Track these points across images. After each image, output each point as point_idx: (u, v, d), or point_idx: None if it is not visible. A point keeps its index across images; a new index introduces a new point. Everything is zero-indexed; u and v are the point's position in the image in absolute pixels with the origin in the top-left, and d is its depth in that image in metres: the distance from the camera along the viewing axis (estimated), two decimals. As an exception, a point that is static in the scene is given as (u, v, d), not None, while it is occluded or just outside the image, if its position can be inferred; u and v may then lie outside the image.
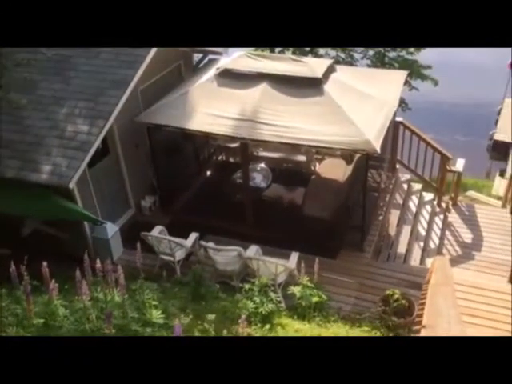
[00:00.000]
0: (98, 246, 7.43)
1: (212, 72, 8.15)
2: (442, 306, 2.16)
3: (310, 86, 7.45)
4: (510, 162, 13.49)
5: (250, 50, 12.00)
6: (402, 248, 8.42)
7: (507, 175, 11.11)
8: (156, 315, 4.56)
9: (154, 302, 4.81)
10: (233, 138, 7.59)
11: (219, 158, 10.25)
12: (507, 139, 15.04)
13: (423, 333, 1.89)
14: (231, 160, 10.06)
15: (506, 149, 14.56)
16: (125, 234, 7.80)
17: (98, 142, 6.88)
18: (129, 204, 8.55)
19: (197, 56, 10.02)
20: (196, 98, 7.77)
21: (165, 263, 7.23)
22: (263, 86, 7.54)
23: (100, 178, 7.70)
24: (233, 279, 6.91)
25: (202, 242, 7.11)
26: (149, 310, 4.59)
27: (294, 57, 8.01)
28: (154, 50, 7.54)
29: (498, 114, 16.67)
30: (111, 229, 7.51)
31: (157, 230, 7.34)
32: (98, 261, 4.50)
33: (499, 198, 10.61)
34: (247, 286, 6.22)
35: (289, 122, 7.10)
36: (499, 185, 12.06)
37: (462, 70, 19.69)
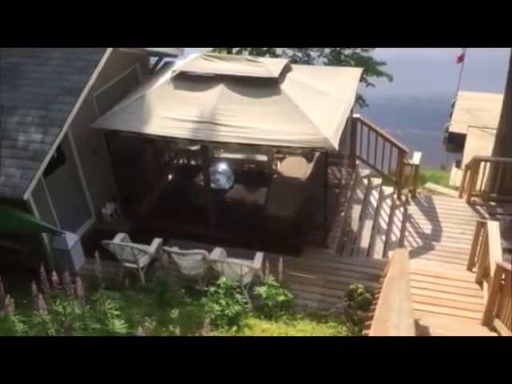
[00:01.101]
0: (58, 257, 7.24)
1: (168, 75, 8.06)
2: (395, 298, 2.19)
3: (266, 86, 7.47)
4: (464, 153, 13.93)
5: (207, 51, 11.99)
6: (364, 242, 8.56)
7: (463, 166, 11.44)
8: (118, 325, 4.48)
9: (117, 312, 4.72)
10: (192, 141, 7.54)
11: (180, 161, 10.17)
12: (461, 131, 15.56)
13: (373, 327, 1.91)
14: (193, 163, 9.99)
15: (461, 140, 15.04)
16: (86, 243, 7.63)
17: (52, 151, 6.69)
18: (89, 212, 8.36)
19: (153, 59, 9.90)
20: (153, 102, 7.68)
21: (129, 271, 7.11)
22: (220, 88, 7.52)
23: (57, 188, 7.49)
24: (198, 283, 6.85)
25: (166, 247, 7.03)
26: (111, 321, 4.50)
27: (249, 57, 8.03)
28: (107, 55, 7.40)
29: (452, 106, 17.19)
30: (71, 239, 7.34)
31: (119, 238, 7.21)
32: (54, 273, 4.38)
33: (456, 189, 10.92)
34: (212, 289, 6.20)
35: (247, 122, 7.10)
36: (456, 175, 12.42)
37: (417, 66, 20.12)
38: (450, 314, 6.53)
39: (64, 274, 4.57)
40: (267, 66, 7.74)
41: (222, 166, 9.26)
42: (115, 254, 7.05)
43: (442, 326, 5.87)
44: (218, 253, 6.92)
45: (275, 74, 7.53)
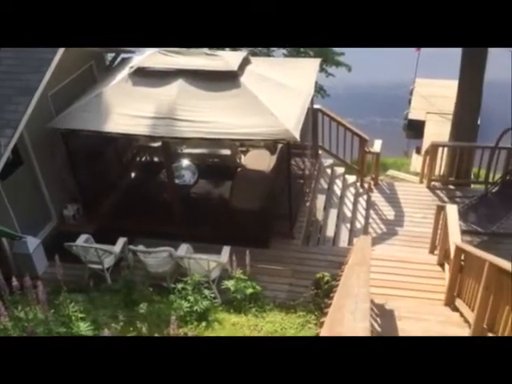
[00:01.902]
0: (20, 261, 7.05)
1: (126, 71, 7.92)
2: (354, 285, 2.23)
3: (226, 79, 7.44)
4: (424, 139, 14.28)
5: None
6: (330, 231, 8.69)
7: (422, 152, 11.71)
8: (84, 328, 4.40)
9: (81, 315, 4.64)
10: (152, 138, 7.46)
11: (143, 158, 10.03)
12: (420, 117, 15.93)
13: (330, 314, 1.94)
14: (156, 160, 9.87)
15: (420, 126, 15.40)
16: (49, 246, 7.43)
17: (7, 153, 6.47)
18: (50, 215, 8.16)
19: (110, 55, 9.71)
20: (111, 99, 7.54)
21: (94, 272, 6.99)
22: (179, 83, 7.44)
23: (15, 191, 7.28)
24: (166, 280, 6.81)
25: (131, 246, 6.94)
26: (76, 324, 4.42)
27: (208, 51, 7.94)
28: (60, 53, 7.20)
29: (411, 93, 17.57)
30: (32, 243, 7.15)
31: (82, 239, 7.07)
32: (14, 278, 4.26)
33: (417, 174, 11.18)
34: (180, 286, 6.17)
35: (208, 116, 7.06)
36: (416, 161, 12.74)
37: (375, 54, 20.44)
38: (414, 297, 6.71)
39: (25, 278, 4.45)
40: (226, 59, 7.70)
41: (186, 162, 9.20)
42: (79, 256, 6.92)
43: (407, 309, 6.02)
44: (184, 249, 6.88)
45: (234, 67, 7.51)
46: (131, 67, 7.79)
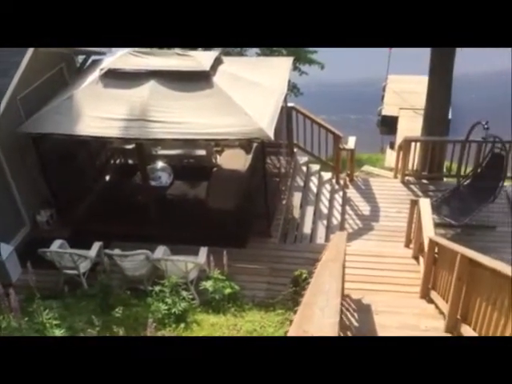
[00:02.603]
0: (-8, 269, 6.91)
1: (96, 73, 7.83)
2: (326, 281, 2.25)
3: (198, 79, 7.42)
4: (397, 135, 14.49)
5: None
6: (307, 228, 8.73)
7: (396, 147, 11.86)
8: (59, 334, 4.34)
9: (56, 321, 4.57)
10: (126, 140, 7.39)
11: (117, 160, 9.93)
12: (393, 113, 16.15)
13: (299, 311, 1.96)
14: (130, 162, 9.77)
15: (394, 122, 15.62)
16: (22, 253, 7.30)
17: (-24, 159, 6.35)
18: (23, 220, 8.01)
19: (80, 57, 9.57)
20: (82, 102, 7.43)
21: (70, 278, 6.89)
22: (151, 84, 7.39)
23: (-15, 197, 7.14)
24: (143, 283, 6.75)
25: (107, 250, 6.87)
26: (50, 331, 4.35)
27: (179, 51, 7.90)
28: (28, 55, 7.08)
29: (383, 90, 17.80)
30: (5, 249, 7.02)
31: (56, 245, 6.96)
32: (-16, 287, 4.17)
33: (391, 169, 11.32)
34: (158, 289, 6.13)
35: (181, 117, 7.03)
36: (390, 157, 12.90)
37: (347, 51, 20.68)
38: (390, 291, 6.81)
39: (-4, 287, 4.37)
40: (198, 59, 7.68)
41: (161, 163, 9.14)
42: (54, 262, 6.81)
43: (384, 303, 6.10)
44: (161, 251, 6.84)
45: (206, 67, 7.49)
46: (102, 69, 7.70)
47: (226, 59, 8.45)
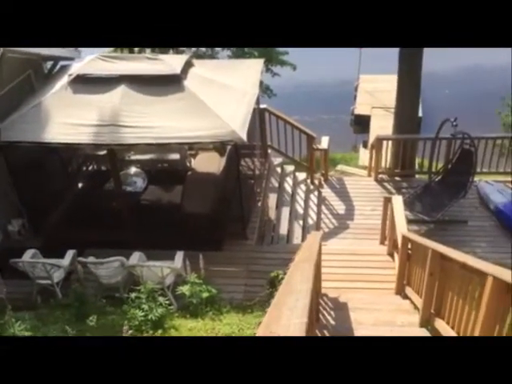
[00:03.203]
0: (-38, 282, 6.72)
1: (65, 79, 7.71)
2: (297, 282, 2.26)
3: (169, 83, 7.37)
4: (370, 133, 14.66)
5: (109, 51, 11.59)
6: (283, 229, 8.76)
7: (369, 146, 12.01)
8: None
9: (28, 333, 4.48)
10: (97, 146, 7.29)
11: (90, 167, 9.79)
12: (366, 112, 16.35)
13: (269, 312, 1.96)
14: (103, 168, 9.65)
15: (366, 121, 15.80)
16: (-7, 264, 7.13)
17: None
18: (-7, 231, 7.84)
19: (49, 63, 9.40)
20: (51, 109, 7.30)
21: (43, 288, 6.77)
22: (122, 89, 7.31)
23: (-47, 209, 6.95)
24: (119, 291, 6.68)
25: (81, 258, 6.77)
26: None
27: (149, 55, 7.85)
28: (-6, 62, 6.93)
29: (356, 89, 18.00)
30: (-24, 262, 6.84)
31: (28, 254, 6.82)
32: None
33: (365, 168, 11.45)
34: (134, 295, 6.06)
35: (153, 122, 6.98)
36: (364, 155, 13.04)
37: (319, 51, 20.87)
38: (366, 288, 6.88)
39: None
40: (168, 62, 7.63)
41: (134, 169, 9.05)
42: (26, 272, 6.68)
43: (360, 300, 6.17)
44: (136, 257, 6.77)
45: (177, 70, 7.45)
46: (70, 75, 7.59)
47: (196, 62, 8.44)
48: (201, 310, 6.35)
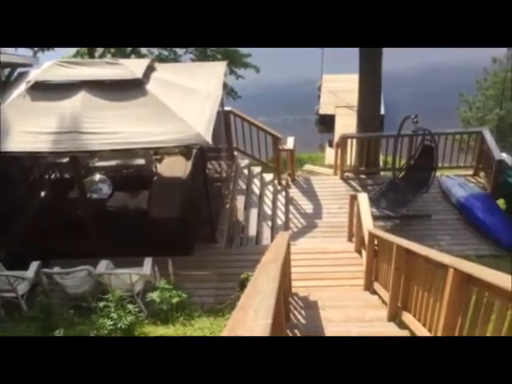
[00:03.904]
0: None
1: (23, 86, 7.51)
2: (263, 283, 2.27)
3: (131, 88, 7.28)
4: (335, 132, 14.85)
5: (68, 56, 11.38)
6: (252, 230, 8.77)
7: (334, 145, 12.15)
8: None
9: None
10: (59, 154, 7.13)
11: (53, 175, 9.57)
12: (330, 112, 16.55)
13: (233, 315, 1.96)
14: (66, 176, 9.45)
15: (331, 121, 16.00)
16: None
17: None
18: (-48, 246, 7.55)
19: (7, 71, 9.15)
20: (9, 117, 7.09)
21: (8, 301, 6.57)
22: (82, 94, 7.18)
23: None
24: (87, 300, 6.54)
25: (46, 270, 6.61)
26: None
27: (109, 60, 7.75)
28: None
29: (319, 89, 18.21)
30: None
31: (-10, 268, 6.63)
32: None
33: (331, 167, 11.59)
34: (102, 304, 5.96)
35: (116, 127, 6.88)
36: (329, 154, 13.19)
37: (283, 52, 21.01)
38: (336, 285, 6.97)
39: None
40: (129, 67, 7.55)
41: (99, 175, 8.89)
42: (-11, 286, 6.48)
43: (330, 298, 6.24)
44: (104, 265, 6.66)
45: (139, 74, 7.37)
46: (28, 82, 7.40)
47: (159, 66, 8.37)
48: (171, 316, 6.28)
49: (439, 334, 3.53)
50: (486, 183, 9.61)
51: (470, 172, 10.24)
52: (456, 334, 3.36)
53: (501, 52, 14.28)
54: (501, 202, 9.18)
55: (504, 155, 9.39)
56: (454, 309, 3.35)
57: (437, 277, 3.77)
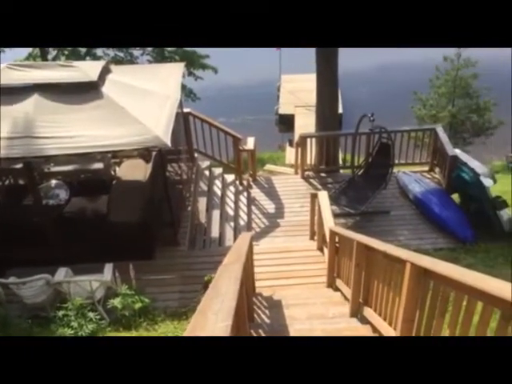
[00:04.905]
0: None
1: (-29, 91, 7.22)
2: (224, 285, 2.26)
3: (87, 90, 7.10)
4: (295, 132, 15.01)
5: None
6: (215, 232, 8.73)
7: (294, 144, 12.28)
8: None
9: None
10: (11, 159, 6.89)
11: (6, 182, 9.23)
12: (289, 112, 16.72)
13: (193, 318, 1.95)
14: (21, 182, 9.13)
15: (290, 120, 16.17)
16: None
17: None
18: None
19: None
20: (-43, 123, 6.81)
21: (-39, 315, 6.30)
22: (35, 98, 6.94)
23: None
24: (46, 310, 6.35)
25: (1, 280, 6.37)
26: None
27: (63, 62, 7.53)
28: None
29: (278, 90, 18.37)
30: None
31: None
32: None
33: (292, 166, 11.71)
34: (61, 313, 5.80)
35: (71, 131, 6.69)
36: (290, 154, 13.31)
37: (242, 54, 21.06)
38: (299, 284, 7.03)
39: None
40: (84, 69, 7.36)
41: (55, 181, 8.65)
42: None
43: (294, 296, 6.29)
44: (62, 273, 6.48)
45: (94, 77, 7.20)
46: (-24, 86, 7.11)
47: (115, 68, 8.22)
48: (134, 322, 6.18)
49: (399, 326, 3.61)
50: (441, 178, 9.92)
51: (426, 168, 10.54)
52: (415, 326, 3.45)
53: (452, 51, 14.79)
54: (455, 197, 9.49)
55: (457, 151, 9.70)
56: (413, 302, 3.44)
57: (395, 271, 3.86)
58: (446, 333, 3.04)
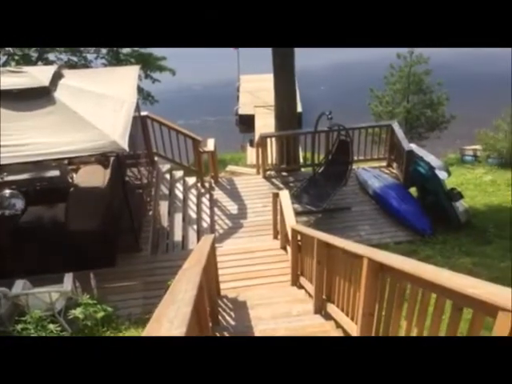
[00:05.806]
0: None
1: None
2: (181, 290, 2.24)
3: (38, 96, 6.90)
4: (255, 132, 15.05)
5: None
6: (177, 236, 8.66)
7: (255, 144, 12.30)
8: None
9: None
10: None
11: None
12: (249, 112, 16.75)
13: (147, 326, 1.92)
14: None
15: (251, 120, 16.20)
16: None
17: None
18: None
19: None
20: None
21: None
22: (-17, 106, 6.71)
23: None
24: (3, 324, 6.12)
25: (-48, 297, 6.11)
26: None
27: (12, 68, 7.29)
28: None
29: (238, 90, 18.37)
30: None
31: None
32: None
33: (253, 166, 11.72)
34: (20, 327, 5.61)
35: (23, 139, 6.49)
36: (251, 154, 13.33)
37: (199, 55, 20.93)
38: (264, 283, 7.05)
39: None
40: (34, 74, 7.15)
41: (8, 190, 8.36)
42: None
43: (259, 296, 6.31)
44: (20, 286, 6.25)
45: (45, 82, 7.00)
46: None
47: (67, 72, 8.02)
48: (97, 332, 6.04)
49: (359, 321, 3.68)
50: (399, 173, 10.15)
51: (384, 163, 10.77)
52: (374, 320, 3.52)
53: (405, 48, 15.15)
54: (413, 190, 9.74)
55: (413, 146, 9.95)
56: (371, 296, 3.51)
57: (354, 267, 3.92)
58: (403, 324, 3.11)
